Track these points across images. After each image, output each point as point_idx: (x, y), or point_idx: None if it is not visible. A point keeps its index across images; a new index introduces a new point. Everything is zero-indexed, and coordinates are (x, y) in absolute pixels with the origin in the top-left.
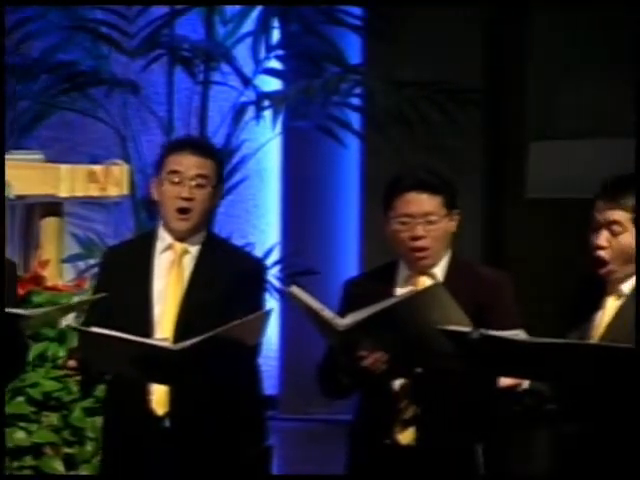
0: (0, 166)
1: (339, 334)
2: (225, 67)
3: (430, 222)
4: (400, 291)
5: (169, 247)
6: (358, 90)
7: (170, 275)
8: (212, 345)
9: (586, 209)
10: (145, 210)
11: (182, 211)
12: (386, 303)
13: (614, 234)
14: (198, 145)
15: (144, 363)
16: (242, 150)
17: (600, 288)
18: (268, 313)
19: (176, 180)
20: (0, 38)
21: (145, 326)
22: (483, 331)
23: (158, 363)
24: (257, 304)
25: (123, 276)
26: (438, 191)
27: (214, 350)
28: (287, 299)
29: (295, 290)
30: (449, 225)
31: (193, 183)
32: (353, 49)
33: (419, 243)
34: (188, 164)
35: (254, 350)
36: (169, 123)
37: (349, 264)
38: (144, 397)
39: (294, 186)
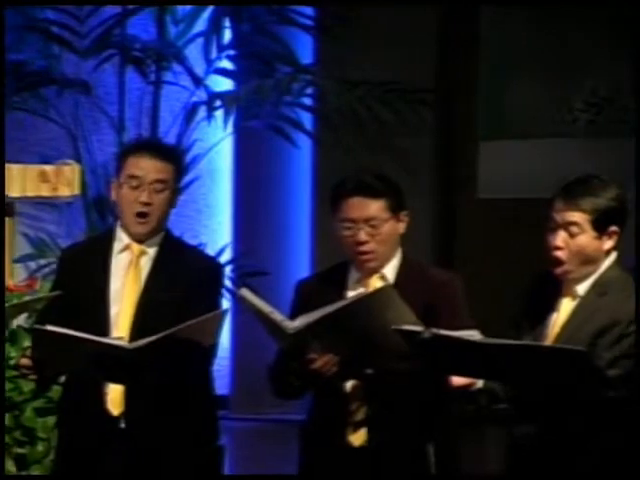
0: (0, 166)
1: (289, 337)
2: (177, 67)
3: (373, 226)
4: (351, 292)
5: (126, 247)
6: (310, 90)
7: (127, 275)
8: (168, 344)
9: (537, 209)
10: (96, 210)
11: (141, 215)
12: (336, 306)
13: (571, 235)
14: (157, 148)
15: (99, 362)
16: (194, 150)
17: (555, 289)
18: (224, 313)
19: (135, 184)
20: (0, 38)
21: (102, 326)
22: (435, 331)
23: (113, 362)
24: (214, 304)
25: (80, 275)
26: (381, 195)
27: (170, 349)
28: (238, 300)
29: (245, 292)
30: (396, 227)
31: (152, 188)
32: (305, 49)
33: (363, 248)
34: (147, 168)
35: (210, 350)
36: (120, 123)
37: (301, 264)
38: (99, 397)
39: (246, 186)
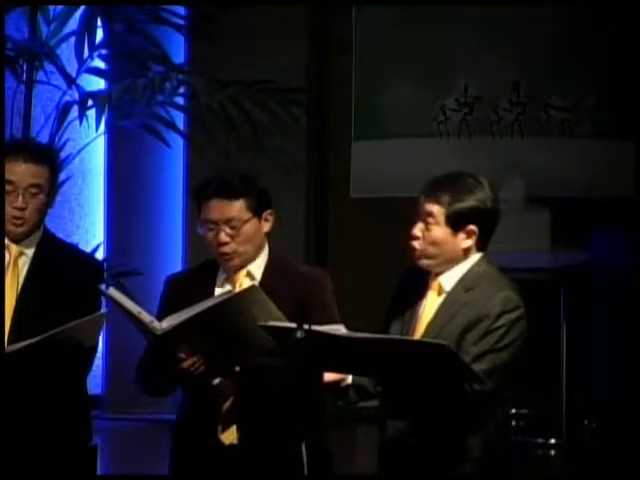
0: (0, 166)
1: (157, 338)
2: (49, 66)
3: (233, 227)
4: (219, 289)
5: (5, 248)
6: (182, 89)
7: (6, 276)
8: (47, 347)
9: (409, 208)
10: None
11: (16, 218)
12: (203, 306)
13: (427, 226)
14: (32, 150)
15: None
16: (66, 149)
17: (421, 284)
18: (105, 315)
19: (10, 189)
20: (0, 38)
21: None
22: (305, 327)
23: None
24: (93, 305)
25: None
26: (241, 195)
27: (48, 352)
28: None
29: (113, 292)
30: (259, 227)
31: (27, 192)
32: (178, 48)
33: (223, 249)
34: (22, 173)
35: (90, 351)
36: None
37: (173, 264)
38: None
39: (119, 186)
